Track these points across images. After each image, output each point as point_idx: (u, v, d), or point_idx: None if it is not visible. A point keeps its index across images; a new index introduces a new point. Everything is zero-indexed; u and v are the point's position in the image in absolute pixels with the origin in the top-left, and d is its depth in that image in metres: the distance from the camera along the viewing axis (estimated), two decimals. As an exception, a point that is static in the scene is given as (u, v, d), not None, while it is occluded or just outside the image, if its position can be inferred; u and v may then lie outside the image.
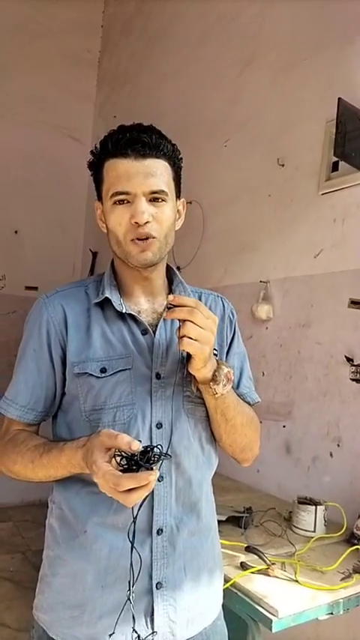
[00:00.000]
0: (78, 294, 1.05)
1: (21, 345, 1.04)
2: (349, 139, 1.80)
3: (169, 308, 0.87)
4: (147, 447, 0.79)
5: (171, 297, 0.87)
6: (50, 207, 4.18)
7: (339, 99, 1.77)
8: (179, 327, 0.87)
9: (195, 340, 0.86)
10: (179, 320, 0.87)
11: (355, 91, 1.88)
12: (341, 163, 1.92)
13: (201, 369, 0.91)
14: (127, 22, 4.02)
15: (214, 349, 0.92)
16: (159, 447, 0.81)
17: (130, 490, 0.75)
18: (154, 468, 0.77)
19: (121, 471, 0.78)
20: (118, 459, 0.79)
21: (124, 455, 0.79)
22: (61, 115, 4.18)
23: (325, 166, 2.01)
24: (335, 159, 1.94)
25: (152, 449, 0.79)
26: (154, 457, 0.79)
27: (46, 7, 4.07)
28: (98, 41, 4.51)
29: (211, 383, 0.93)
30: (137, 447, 0.77)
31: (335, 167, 1.98)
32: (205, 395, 0.98)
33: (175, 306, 0.86)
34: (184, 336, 0.86)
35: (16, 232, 4.15)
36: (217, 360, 0.94)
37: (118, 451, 0.79)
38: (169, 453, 0.92)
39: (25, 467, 0.96)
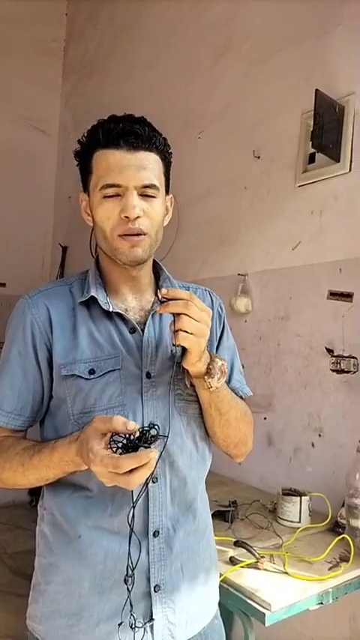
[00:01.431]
0: (62, 292, 1.02)
1: (4, 348, 0.99)
2: (326, 130, 1.80)
3: (162, 302, 0.85)
4: (142, 428, 0.77)
5: (164, 290, 0.84)
6: (17, 200, 4.06)
7: (316, 90, 1.77)
8: (173, 321, 0.85)
9: (191, 334, 0.84)
10: (173, 314, 0.84)
11: (330, 82, 1.88)
12: (318, 155, 1.93)
13: (196, 363, 0.89)
14: (93, 10, 3.92)
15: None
16: (156, 427, 0.79)
17: (130, 472, 0.72)
18: (152, 447, 0.75)
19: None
20: (114, 447, 0.76)
21: (120, 441, 0.76)
22: (26, 105, 4.06)
23: (302, 158, 2.01)
24: (312, 151, 1.94)
25: (149, 430, 0.77)
26: (152, 437, 0.76)
27: (7, -6, 3.94)
28: (63, 30, 4.39)
29: (205, 377, 0.91)
30: (133, 426, 0.75)
31: (312, 159, 1.98)
32: (198, 390, 0.96)
33: (169, 299, 0.84)
34: (179, 329, 0.84)
35: (-20, 227, 4.02)
36: (209, 353, 0.93)
37: (113, 440, 0.77)
38: (163, 458, 0.91)
39: (14, 471, 0.93)
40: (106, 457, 0.74)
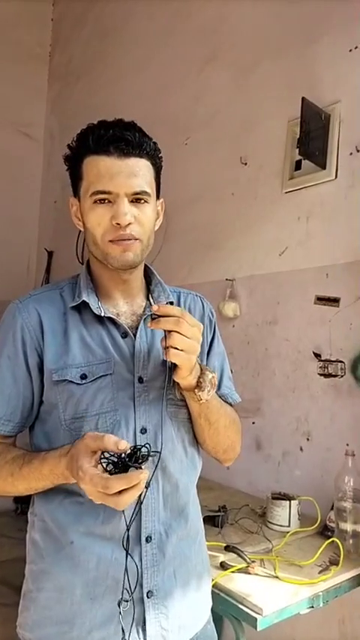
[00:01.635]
0: (53, 297, 1.01)
1: None
2: (312, 137, 1.83)
3: (153, 318, 0.85)
4: (134, 447, 0.77)
5: (155, 307, 0.85)
6: (2, 204, 4.02)
7: (303, 98, 1.79)
8: (164, 337, 0.85)
9: (181, 350, 0.85)
10: (164, 330, 0.85)
11: (317, 91, 1.91)
12: (304, 162, 1.95)
13: (186, 377, 0.90)
14: (79, 16, 3.93)
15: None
16: (147, 446, 0.79)
17: (120, 492, 0.72)
18: (142, 467, 0.75)
19: (108, 474, 0.75)
20: (105, 463, 0.76)
21: (110, 459, 0.76)
22: (11, 109, 4.04)
23: (289, 165, 2.04)
24: (298, 157, 1.97)
25: (140, 448, 0.77)
26: (142, 456, 0.76)
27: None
28: (49, 34, 4.39)
29: (195, 390, 0.92)
30: (125, 446, 0.75)
31: (298, 166, 2.00)
32: (188, 400, 0.97)
33: (160, 316, 0.84)
34: (170, 346, 0.84)
35: (-34, 231, 3.98)
36: (200, 366, 0.93)
37: (104, 456, 0.77)
38: (155, 464, 0.91)
39: (3, 480, 0.92)
40: (95, 477, 0.74)
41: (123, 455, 0.75)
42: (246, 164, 2.27)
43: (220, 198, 2.39)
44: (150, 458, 0.78)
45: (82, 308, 0.98)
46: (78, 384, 0.93)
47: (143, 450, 0.77)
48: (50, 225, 4.08)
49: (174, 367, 0.89)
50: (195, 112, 2.62)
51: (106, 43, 3.53)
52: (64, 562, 0.92)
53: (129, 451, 0.76)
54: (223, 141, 2.41)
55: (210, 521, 1.65)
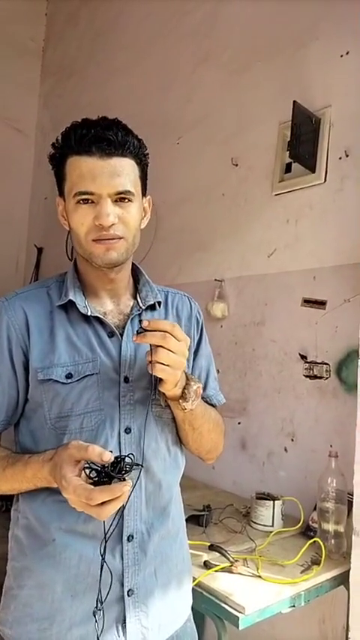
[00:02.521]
0: (39, 295, 1.01)
1: None
2: (303, 141, 1.84)
3: (139, 332, 0.85)
4: (118, 457, 0.77)
5: (145, 322, 0.85)
6: (-9, 200, 4.01)
7: (294, 102, 1.81)
8: (149, 351, 0.85)
9: (167, 365, 0.85)
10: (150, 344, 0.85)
11: (308, 94, 1.93)
12: (294, 165, 1.96)
13: (171, 389, 0.90)
14: (73, 12, 3.91)
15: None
16: (130, 456, 0.80)
17: (103, 503, 0.73)
18: (126, 478, 0.76)
19: (91, 484, 0.76)
20: (88, 471, 0.77)
21: (95, 467, 0.77)
22: (3, 104, 4.01)
23: (279, 168, 2.05)
24: (289, 160, 1.98)
25: (124, 459, 0.77)
26: (126, 467, 0.77)
27: (-14, -8, 3.90)
28: (42, 30, 4.36)
29: (180, 400, 0.93)
30: (109, 457, 0.75)
31: (288, 169, 2.02)
32: (173, 408, 0.97)
33: (149, 330, 0.84)
34: (155, 361, 0.84)
35: None
36: (186, 375, 0.94)
37: (88, 463, 0.77)
38: (141, 463, 0.91)
39: None
40: (79, 487, 0.74)
41: (107, 465, 0.76)
42: (237, 165, 2.28)
43: (211, 198, 2.40)
44: (133, 470, 0.78)
45: (69, 307, 0.98)
46: (63, 383, 0.93)
47: (127, 459, 0.77)
48: (40, 221, 4.06)
49: (159, 380, 0.90)
50: (186, 113, 2.62)
51: (99, 41, 3.52)
52: (46, 559, 0.92)
53: (113, 459, 0.76)
54: (215, 142, 2.42)
55: (194, 520, 1.66)
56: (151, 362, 0.85)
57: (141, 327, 0.85)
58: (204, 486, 2.17)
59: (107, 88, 3.31)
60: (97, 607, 0.86)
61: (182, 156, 2.61)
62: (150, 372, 0.86)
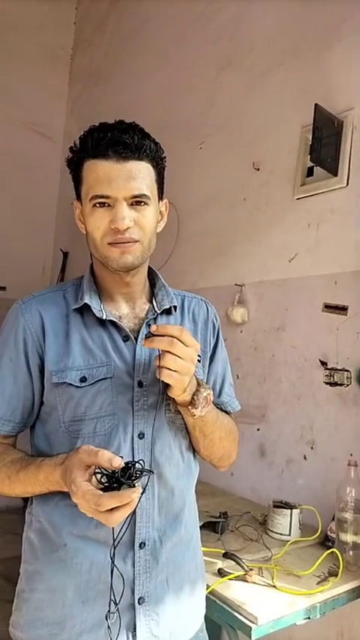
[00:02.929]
0: (56, 299, 1.02)
1: None
2: (325, 144, 1.82)
3: (147, 337, 0.85)
4: (128, 462, 0.77)
5: (154, 327, 0.85)
6: (20, 205, 4.09)
7: (316, 105, 1.78)
8: (158, 356, 0.85)
9: (174, 371, 0.84)
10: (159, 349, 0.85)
11: (330, 97, 1.90)
12: (316, 169, 1.94)
13: (180, 395, 0.90)
14: (101, 19, 3.97)
15: (198, 355, 0.90)
16: (141, 462, 0.79)
17: (112, 509, 0.72)
18: (136, 484, 0.75)
19: (101, 489, 0.75)
20: (99, 476, 0.77)
21: (105, 472, 0.76)
22: (32, 111, 4.10)
23: (301, 171, 2.03)
24: (310, 164, 1.96)
25: (134, 465, 0.77)
26: (136, 473, 0.76)
27: (18, 1, 3.98)
28: (71, 38, 4.44)
29: (189, 406, 0.92)
30: (118, 463, 0.75)
31: (310, 172, 1.99)
32: (183, 414, 0.96)
33: (157, 335, 0.84)
34: (163, 367, 0.84)
35: (-17, 231, 4.04)
36: (197, 380, 0.93)
37: (99, 468, 0.77)
38: (151, 468, 0.91)
39: (1, 482, 0.94)
40: (88, 493, 0.74)
41: (117, 470, 0.75)
42: (258, 170, 2.26)
43: (232, 203, 2.39)
44: (143, 476, 0.78)
45: (84, 310, 0.98)
46: (77, 386, 0.93)
47: (137, 465, 0.77)
48: (66, 225, 4.11)
49: (168, 385, 0.89)
50: (209, 117, 2.62)
51: (125, 47, 3.56)
52: (57, 564, 0.92)
53: (123, 465, 0.76)
54: (237, 146, 2.41)
55: (210, 527, 1.65)
56: (159, 367, 0.85)
57: (149, 332, 0.84)
58: (222, 493, 2.15)
59: (132, 93, 3.34)
60: (109, 610, 0.85)
61: (204, 160, 2.61)
62: (158, 377, 0.86)
